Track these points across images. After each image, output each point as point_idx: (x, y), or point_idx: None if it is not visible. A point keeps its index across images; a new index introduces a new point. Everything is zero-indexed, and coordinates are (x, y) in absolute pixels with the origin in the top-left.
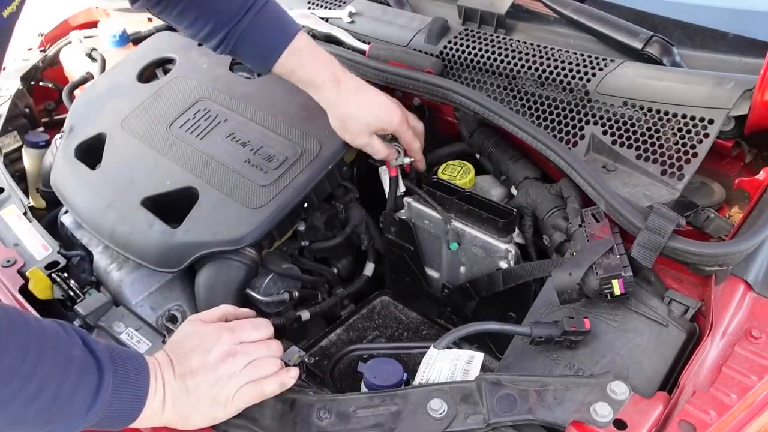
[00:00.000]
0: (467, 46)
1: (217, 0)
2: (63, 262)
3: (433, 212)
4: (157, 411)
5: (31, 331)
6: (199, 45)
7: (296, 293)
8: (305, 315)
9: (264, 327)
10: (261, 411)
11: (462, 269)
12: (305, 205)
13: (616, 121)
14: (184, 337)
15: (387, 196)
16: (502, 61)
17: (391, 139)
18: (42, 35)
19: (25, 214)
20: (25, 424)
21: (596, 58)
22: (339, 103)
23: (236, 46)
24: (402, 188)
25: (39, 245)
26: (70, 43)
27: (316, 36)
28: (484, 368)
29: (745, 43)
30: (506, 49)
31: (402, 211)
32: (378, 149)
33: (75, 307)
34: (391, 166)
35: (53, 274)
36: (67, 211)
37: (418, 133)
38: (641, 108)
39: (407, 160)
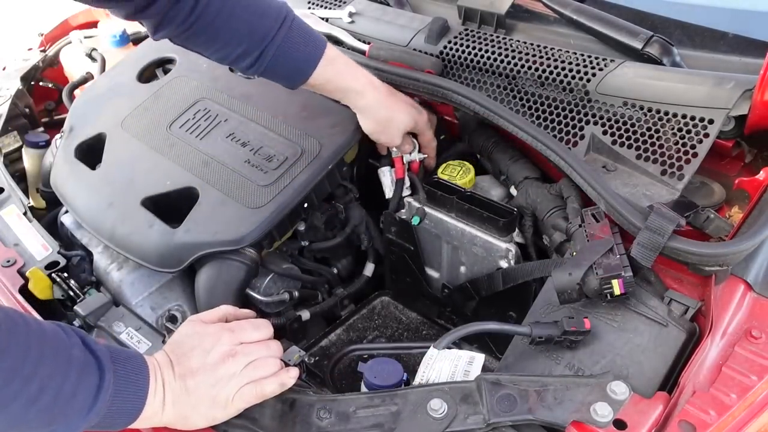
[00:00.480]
0: (467, 46)
1: (248, 21)
2: (63, 262)
3: (433, 211)
4: (157, 411)
5: (31, 332)
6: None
7: (296, 293)
8: (305, 315)
9: (264, 327)
10: (261, 411)
11: (462, 269)
12: (305, 205)
13: (616, 121)
14: (184, 338)
15: (387, 196)
16: (502, 61)
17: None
18: (42, 35)
19: (25, 214)
20: (26, 425)
21: (596, 58)
22: (381, 108)
23: (270, 65)
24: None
25: (39, 245)
26: (70, 43)
27: None
28: (484, 368)
29: (745, 43)
30: (506, 49)
31: (402, 210)
32: (407, 146)
33: (75, 307)
34: (403, 162)
35: (53, 274)
36: (67, 211)
37: (433, 127)
38: (641, 108)
39: (420, 156)
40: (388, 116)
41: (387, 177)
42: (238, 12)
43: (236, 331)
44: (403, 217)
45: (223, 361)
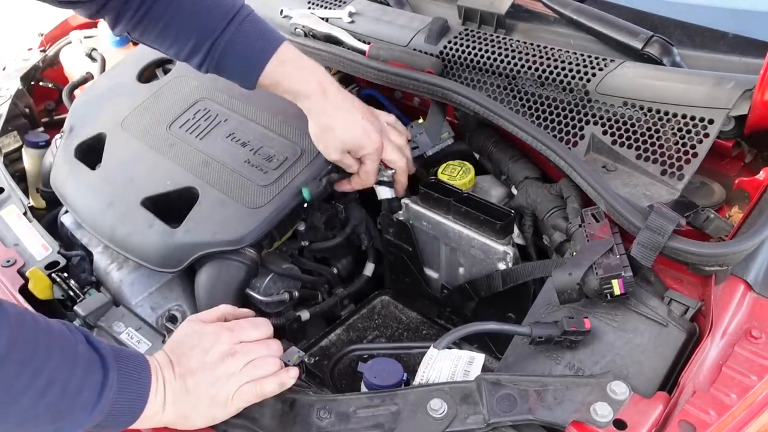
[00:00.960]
0: (467, 46)
1: (198, 14)
2: (63, 262)
3: (430, 213)
4: (158, 410)
5: (39, 327)
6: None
7: (296, 293)
8: (305, 315)
9: (263, 327)
10: (261, 411)
11: (461, 270)
12: (305, 205)
13: (616, 121)
14: (184, 337)
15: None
16: (502, 61)
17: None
18: (42, 35)
19: (25, 214)
20: (34, 420)
21: (596, 58)
22: (322, 114)
23: (221, 60)
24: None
25: (39, 245)
26: (70, 43)
27: (316, 36)
28: (484, 368)
29: (745, 43)
30: (506, 49)
31: (400, 212)
32: (350, 165)
33: (75, 307)
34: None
35: (53, 274)
36: (67, 211)
37: (398, 171)
38: (641, 108)
39: (389, 172)
40: (327, 125)
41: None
42: (187, 6)
43: (235, 331)
44: (401, 218)
45: (223, 360)
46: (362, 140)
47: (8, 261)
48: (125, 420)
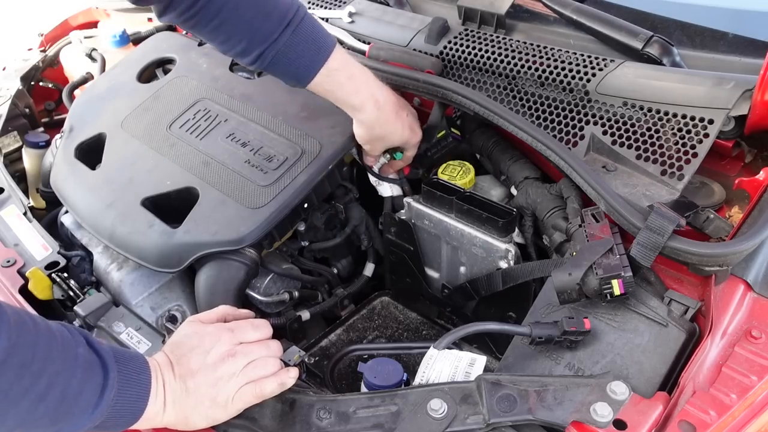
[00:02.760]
0: (467, 46)
1: (254, 17)
2: (63, 262)
3: (432, 211)
4: (158, 411)
5: (39, 329)
6: (234, 65)
7: (296, 293)
8: (305, 315)
9: (263, 327)
10: (261, 411)
11: (462, 269)
12: (305, 205)
13: (616, 121)
14: (184, 338)
15: (384, 203)
16: (502, 61)
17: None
18: (42, 35)
19: (25, 214)
20: (34, 423)
21: (596, 58)
22: (376, 126)
23: (271, 64)
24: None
25: (39, 245)
26: (70, 43)
27: None
28: (485, 369)
29: (745, 43)
30: (506, 49)
31: (402, 211)
32: (378, 159)
33: (75, 307)
34: (375, 166)
35: (53, 274)
36: (67, 211)
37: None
38: (641, 108)
39: (383, 160)
40: (381, 135)
41: (382, 187)
42: (243, 8)
43: (235, 331)
44: (403, 217)
45: (223, 360)
46: (408, 139)
47: (8, 261)
48: (125, 421)
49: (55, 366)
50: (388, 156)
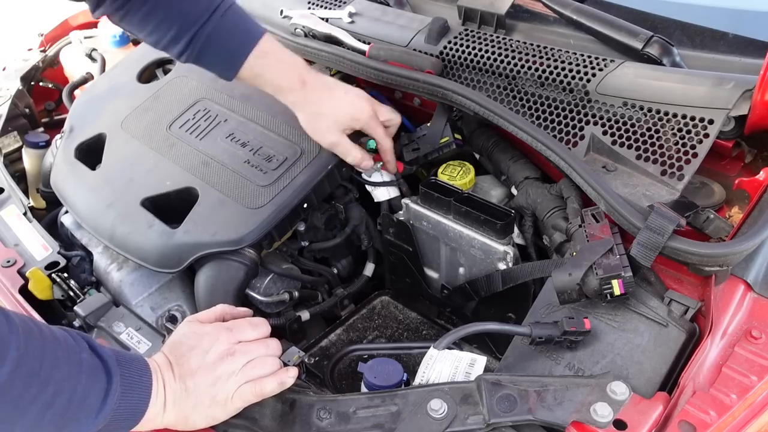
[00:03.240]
0: (467, 47)
1: (182, 3)
2: (63, 262)
3: (430, 213)
4: (159, 413)
5: (44, 336)
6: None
7: (296, 293)
8: (305, 315)
9: (262, 326)
10: (261, 411)
11: (461, 270)
12: (305, 205)
13: (616, 122)
14: (182, 338)
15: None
16: (502, 62)
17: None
18: (42, 35)
19: (25, 214)
20: (40, 430)
21: (596, 58)
22: (306, 104)
23: (202, 51)
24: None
25: (39, 245)
26: (70, 43)
27: (316, 36)
28: (484, 369)
29: (745, 43)
30: (506, 49)
31: (400, 212)
32: (348, 150)
33: (75, 307)
34: (368, 177)
35: (53, 275)
36: (67, 211)
37: (392, 128)
38: (641, 108)
39: (376, 167)
40: (314, 112)
41: (378, 193)
42: None
43: (234, 330)
44: (401, 218)
45: (222, 360)
46: (353, 112)
47: (8, 261)
48: (127, 424)
49: (61, 373)
50: (380, 164)
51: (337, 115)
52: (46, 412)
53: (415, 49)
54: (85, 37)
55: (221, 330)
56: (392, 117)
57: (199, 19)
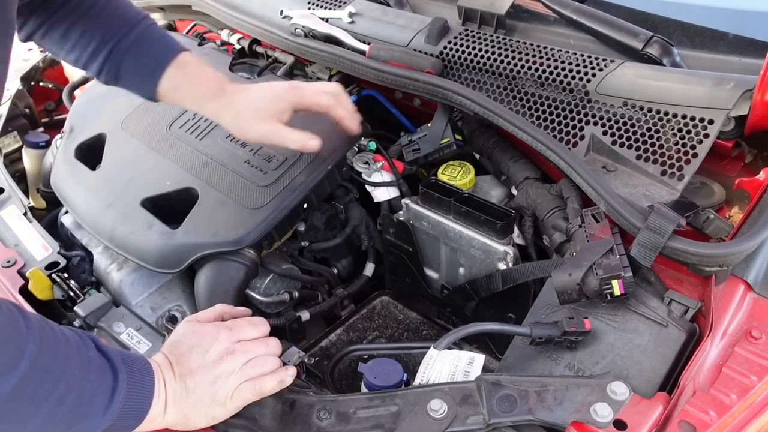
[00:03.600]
0: (467, 47)
1: (101, 18)
2: (63, 262)
3: (431, 213)
4: (160, 412)
5: (56, 335)
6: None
7: (296, 294)
8: (305, 315)
9: (261, 325)
10: (261, 411)
11: (461, 270)
12: (305, 205)
13: (616, 122)
14: (182, 338)
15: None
16: (502, 62)
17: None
18: None
19: (25, 214)
20: (52, 427)
21: (596, 59)
22: (225, 109)
23: (121, 65)
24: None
25: (39, 245)
26: None
27: (316, 36)
28: (485, 369)
29: (745, 43)
30: (506, 50)
31: (400, 212)
32: (284, 135)
33: (75, 307)
34: (368, 177)
35: (53, 275)
36: (67, 212)
37: (333, 96)
38: (641, 108)
39: (379, 165)
40: (236, 112)
41: (378, 193)
42: (92, 12)
43: (234, 330)
44: (401, 218)
45: (222, 359)
46: (270, 94)
47: (8, 261)
48: (131, 423)
49: (72, 369)
50: (381, 164)
51: (254, 106)
52: (59, 409)
53: (415, 50)
54: None
55: (221, 329)
56: (321, 95)
57: (117, 33)
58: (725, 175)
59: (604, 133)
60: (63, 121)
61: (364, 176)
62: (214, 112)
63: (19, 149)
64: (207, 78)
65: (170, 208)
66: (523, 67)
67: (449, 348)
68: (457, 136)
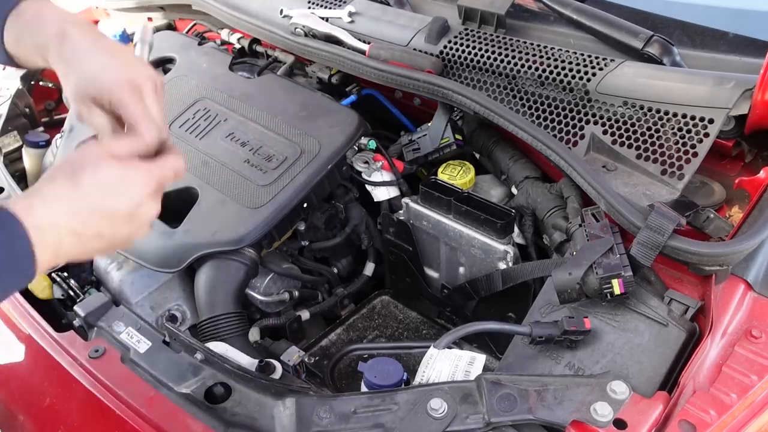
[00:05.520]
0: (467, 46)
1: None
2: None
3: (431, 212)
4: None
5: None
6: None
7: (296, 293)
8: (305, 315)
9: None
10: (261, 411)
11: (461, 270)
12: (305, 205)
13: (616, 121)
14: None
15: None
16: (502, 61)
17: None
18: None
19: None
20: None
21: (596, 58)
22: (60, 62)
23: None
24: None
25: None
26: None
27: (316, 36)
28: (485, 368)
29: (745, 43)
30: (506, 49)
31: (400, 212)
32: (98, 122)
33: (75, 306)
34: (368, 177)
35: (53, 274)
36: None
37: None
38: (641, 108)
39: (379, 164)
40: (63, 73)
41: (378, 192)
42: None
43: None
44: (401, 218)
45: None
46: (97, 74)
47: None
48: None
49: None
50: (380, 164)
51: (80, 78)
52: None
53: (415, 49)
54: None
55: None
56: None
57: None
58: (725, 174)
59: (604, 132)
60: (63, 120)
61: (364, 176)
62: (53, 63)
63: (19, 149)
64: (45, 22)
65: (170, 207)
66: (523, 66)
67: (449, 347)
68: (457, 136)
